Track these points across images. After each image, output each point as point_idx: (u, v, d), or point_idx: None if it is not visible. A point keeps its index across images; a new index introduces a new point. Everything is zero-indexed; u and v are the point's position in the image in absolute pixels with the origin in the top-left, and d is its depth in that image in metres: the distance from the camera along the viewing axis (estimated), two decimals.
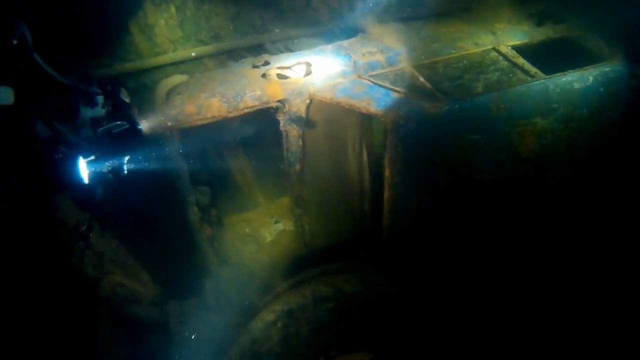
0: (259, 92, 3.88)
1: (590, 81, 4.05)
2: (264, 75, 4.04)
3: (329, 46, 4.34)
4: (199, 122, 3.80)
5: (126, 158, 2.86)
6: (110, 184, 2.79)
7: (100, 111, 2.80)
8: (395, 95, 3.82)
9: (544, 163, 4.17)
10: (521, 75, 4.03)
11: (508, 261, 4.24)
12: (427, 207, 3.99)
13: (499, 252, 4.23)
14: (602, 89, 4.11)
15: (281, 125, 3.99)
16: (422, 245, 4.13)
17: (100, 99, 2.82)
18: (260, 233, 4.88)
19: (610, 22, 4.58)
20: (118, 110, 2.89)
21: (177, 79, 4.16)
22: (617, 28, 4.60)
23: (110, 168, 2.75)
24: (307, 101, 3.95)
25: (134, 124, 2.88)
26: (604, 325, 4.25)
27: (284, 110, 3.95)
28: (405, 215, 3.98)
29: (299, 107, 3.95)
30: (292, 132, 4.03)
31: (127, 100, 2.97)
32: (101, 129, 2.71)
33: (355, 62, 4.08)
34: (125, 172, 2.85)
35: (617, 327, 4.23)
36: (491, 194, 4.07)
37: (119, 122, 2.82)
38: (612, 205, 4.44)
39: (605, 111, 4.20)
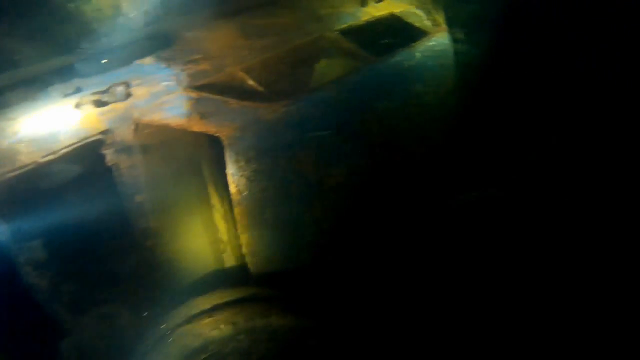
0: (75, 127, 3.42)
1: (419, 57, 4.07)
2: (77, 105, 3.56)
3: (147, 59, 3.93)
4: (7, 176, 3.26)
5: None
6: None
7: None
8: (227, 106, 3.55)
9: (391, 145, 4.15)
10: (353, 61, 3.94)
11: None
12: (284, 214, 3.81)
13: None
14: (430, 63, 4.15)
15: (108, 158, 3.56)
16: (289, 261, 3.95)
17: None
18: None
19: None
20: None
21: None
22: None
23: None
24: (133, 127, 3.55)
25: None
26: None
27: (109, 142, 3.52)
28: (260, 228, 3.76)
29: (124, 135, 3.54)
30: (122, 164, 3.62)
31: None
32: None
33: (178, 74, 3.73)
34: None
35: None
36: (347, 189, 3.97)
37: None
38: (465, 175, 4.55)
39: (437, 83, 4.26)
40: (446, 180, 4.57)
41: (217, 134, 3.44)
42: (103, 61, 3.88)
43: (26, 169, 3.32)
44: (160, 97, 3.64)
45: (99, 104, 3.61)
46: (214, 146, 3.76)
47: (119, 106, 3.58)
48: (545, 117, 4.45)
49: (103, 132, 3.50)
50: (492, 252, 3.60)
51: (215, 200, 4.07)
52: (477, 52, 4.74)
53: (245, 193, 3.55)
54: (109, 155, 3.56)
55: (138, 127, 3.56)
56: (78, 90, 3.68)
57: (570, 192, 3.88)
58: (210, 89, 3.69)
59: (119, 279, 3.98)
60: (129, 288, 3.96)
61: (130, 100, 3.61)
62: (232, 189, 3.53)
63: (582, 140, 4.07)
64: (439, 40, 4.19)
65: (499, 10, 4.72)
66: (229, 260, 4.18)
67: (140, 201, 3.77)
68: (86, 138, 3.44)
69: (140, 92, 3.66)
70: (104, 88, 3.69)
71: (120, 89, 3.71)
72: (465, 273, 3.59)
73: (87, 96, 3.64)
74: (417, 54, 4.05)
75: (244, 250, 3.74)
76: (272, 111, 3.53)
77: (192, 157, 3.90)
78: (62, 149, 3.39)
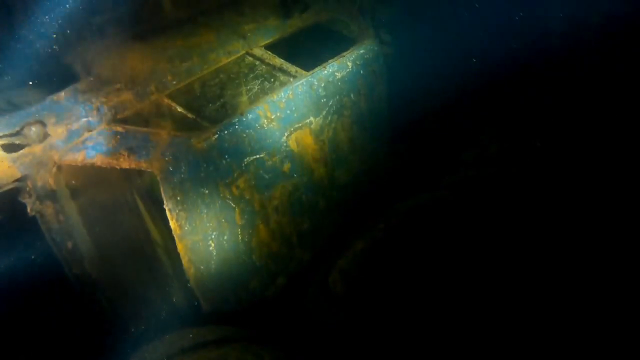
0: None
1: (350, 67, 4.00)
2: None
3: (62, 94, 3.63)
4: None
5: None
6: None
7: None
8: (157, 138, 3.33)
9: (328, 157, 4.07)
10: (283, 77, 3.82)
11: None
12: (230, 243, 3.63)
13: None
14: (362, 71, 4.09)
15: (29, 207, 3.26)
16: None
17: None
18: None
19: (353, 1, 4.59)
20: None
21: None
22: (357, 3, 4.63)
23: None
24: (54, 170, 3.27)
25: None
26: None
27: (28, 189, 3.22)
28: (207, 260, 3.57)
29: (45, 180, 3.26)
30: (47, 211, 3.33)
31: None
32: None
33: (98, 107, 3.48)
34: None
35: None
36: (290, 208, 3.86)
37: None
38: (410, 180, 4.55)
39: (370, 90, 4.21)
40: (387, 187, 4.55)
41: (149, 169, 3.22)
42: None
43: None
44: (82, 134, 3.38)
45: (11, 148, 3.30)
46: (147, 182, 3.54)
47: (36, 149, 3.29)
48: (482, 118, 4.52)
49: (19, 180, 3.21)
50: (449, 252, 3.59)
51: (156, 237, 3.85)
52: (404, 53, 4.76)
53: (186, 227, 3.35)
54: (30, 203, 3.26)
55: (60, 168, 3.28)
56: None
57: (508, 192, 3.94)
58: (136, 121, 3.46)
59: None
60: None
61: (48, 141, 3.32)
62: (172, 224, 3.32)
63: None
64: (367, 47, 4.13)
65: (423, 9, 4.76)
66: (178, 298, 3.97)
67: (71, 248, 3.49)
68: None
69: (58, 130, 3.37)
70: (14, 130, 3.37)
71: (34, 129, 3.40)
72: (423, 275, 3.55)
73: None
74: (349, 64, 3.97)
75: (192, 285, 3.55)
76: (204, 139, 3.35)
77: (125, 196, 3.65)
78: None
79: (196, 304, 3.64)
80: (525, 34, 5.08)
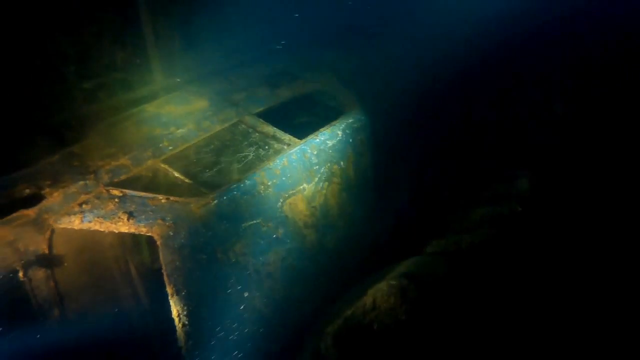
0: None
1: (340, 135, 4.17)
2: None
3: (56, 157, 3.63)
4: None
5: None
6: None
7: None
8: (155, 203, 3.35)
9: (319, 223, 4.14)
10: (277, 145, 3.94)
11: None
12: (228, 309, 3.60)
13: None
14: (350, 140, 4.26)
15: (20, 272, 3.17)
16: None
17: None
18: None
19: (337, 74, 4.83)
20: None
21: None
22: (342, 75, 4.88)
23: None
24: (48, 234, 3.21)
25: None
26: None
27: (20, 252, 3.15)
28: (204, 328, 3.51)
29: (38, 244, 3.19)
30: (37, 276, 3.24)
31: None
32: None
33: (95, 171, 3.48)
34: None
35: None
36: (284, 273, 3.88)
37: None
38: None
39: (358, 157, 4.37)
40: (373, 251, 4.64)
41: (149, 234, 3.21)
42: None
43: None
44: (78, 197, 3.35)
45: (4, 211, 3.24)
46: (146, 247, 3.51)
47: (30, 213, 3.24)
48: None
49: (11, 242, 3.13)
50: None
51: (146, 305, 3.77)
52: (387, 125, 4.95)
53: (183, 293, 3.32)
54: (20, 267, 3.17)
55: (54, 232, 3.23)
56: None
57: None
58: (133, 185, 3.47)
59: None
60: None
61: (42, 204, 3.28)
62: (169, 289, 3.29)
63: None
64: (356, 116, 4.32)
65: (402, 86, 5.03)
66: None
67: (57, 315, 3.37)
68: None
69: (53, 193, 3.34)
70: (6, 192, 3.33)
71: (27, 192, 3.37)
72: None
73: None
74: (339, 132, 4.14)
75: (185, 353, 3.47)
76: (202, 204, 3.38)
77: (119, 257, 3.60)
78: None
79: None
80: None
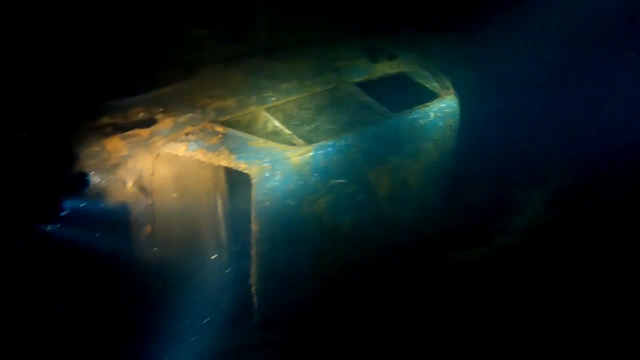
0: (97, 149, 3.29)
1: (432, 117, 4.26)
2: (98, 128, 3.43)
3: (169, 89, 3.87)
4: None
5: None
6: None
7: None
8: (254, 145, 3.54)
9: (395, 198, 4.26)
10: (371, 114, 4.06)
11: None
12: (298, 259, 3.77)
13: None
14: (440, 123, 4.35)
15: (129, 184, 3.42)
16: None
17: None
18: None
19: (433, 59, 4.91)
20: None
21: None
22: (440, 62, 4.95)
23: None
24: (155, 155, 3.46)
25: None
26: None
27: (129, 166, 3.40)
28: (276, 270, 3.71)
29: (145, 163, 3.44)
30: (139, 191, 3.49)
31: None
32: None
33: (203, 107, 3.70)
34: None
35: None
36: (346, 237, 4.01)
37: None
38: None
39: (444, 142, 4.45)
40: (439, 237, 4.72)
41: (246, 172, 3.41)
42: None
43: None
44: (184, 127, 3.57)
45: (121, 128, 3.50)
46: (242, 183, 3.72)
47: (142, 133, 3.48)
48: None
49: (123, 157, 3.38)
50: None
51: (223, 238, 4.00)
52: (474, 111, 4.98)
53: (265, 233, 3.51)
54: (127, 180, 3.42)
55: (160, 155, 3.47)
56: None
57: None
58: (236, 126, 3.67)
59: None
60: None
61: (154, 128, 3.52)
62: (254, 227, 3.48)
63: None
64: (448, 102, 4.40)
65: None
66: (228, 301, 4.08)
67: (149, 231, 3.61)
68: (105, 160, 3.30)
69: (164, 120, 3.58)
70: (126, 113, 3.59)
71: (142, 115, 3.62)
72: None
73: (108, 118, 3.52)
74: (431, 114, 4.23)
75: (255, 291, 3.68)
76: (298, 155, 3.55)
77: (209, 189, 3.82)
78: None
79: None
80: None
